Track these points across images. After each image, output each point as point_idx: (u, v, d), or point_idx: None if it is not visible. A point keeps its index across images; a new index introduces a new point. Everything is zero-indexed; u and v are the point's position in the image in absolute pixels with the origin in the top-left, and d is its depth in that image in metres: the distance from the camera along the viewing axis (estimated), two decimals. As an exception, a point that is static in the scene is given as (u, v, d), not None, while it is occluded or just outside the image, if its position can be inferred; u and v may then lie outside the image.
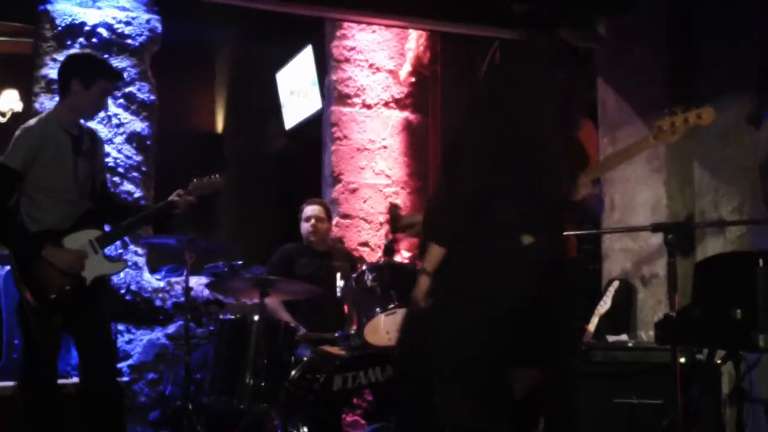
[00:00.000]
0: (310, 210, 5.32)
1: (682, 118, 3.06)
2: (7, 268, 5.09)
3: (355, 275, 4.33)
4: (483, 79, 3.30)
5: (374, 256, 6.24)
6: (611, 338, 4.46)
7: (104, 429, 3.95)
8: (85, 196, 4.03)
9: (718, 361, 3.68)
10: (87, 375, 3.98)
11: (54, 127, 3.96)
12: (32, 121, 4.03)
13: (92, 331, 3.98)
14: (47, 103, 5.59)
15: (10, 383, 4.48)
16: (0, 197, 3.85)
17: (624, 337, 4.57)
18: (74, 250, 3.89)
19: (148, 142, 5.81)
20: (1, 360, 4.92)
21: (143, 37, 5.90)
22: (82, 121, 4.13)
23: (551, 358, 3.46)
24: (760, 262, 2.51)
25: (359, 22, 6.25)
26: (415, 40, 6.70)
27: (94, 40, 5.74)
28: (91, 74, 4.00)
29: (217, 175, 4.36)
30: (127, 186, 5.71)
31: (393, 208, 3.77)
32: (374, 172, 6.56)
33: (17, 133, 3.98)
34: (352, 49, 6.58)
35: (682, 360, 3.44)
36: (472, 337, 2.89)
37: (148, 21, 5.91)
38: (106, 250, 4.03)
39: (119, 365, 5.47)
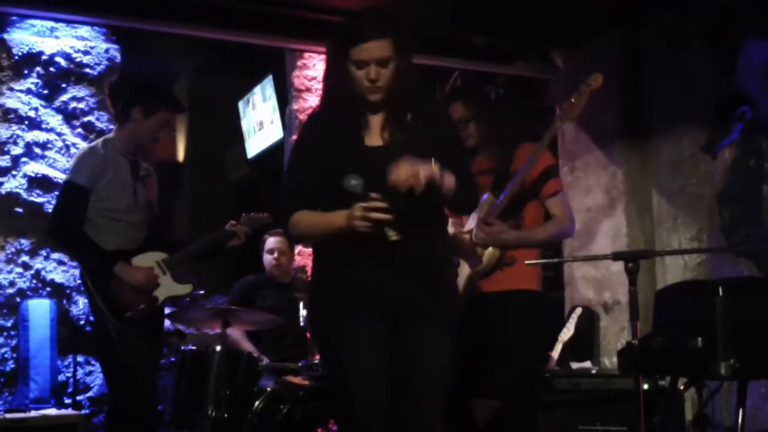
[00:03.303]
0: (274, 242, 5.23)
1: (577, 93, 3.39)
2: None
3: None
4: None
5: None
6: (575, 365, 4.48)
7: None
8: (145, 222, 4.06)
9: (681, 388, 3.71)
10: (132, 397, 3.88)
11: (113, 151, 3.97)
12: (94, 143, 4.07)
13: (157, 355, 4.11)
14: (3, 132, 5.52)
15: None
16: (73, 214, 3.85)
17: (587, 364, 4.60)
18: (145, 268, 3.91)
19: (107, 172, 5.75)
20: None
21: (102, 66, 5.86)
22: None
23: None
24: (720, 291, 2.53)
25: (319, 53, 6.26)
26: (376, 69, 6.71)
27: (51, 69, 5.69)
28: (152, 104, 4.00)
29: (265, 213, 4.40)
30: (86, 216, 5.64)
31: None
32: (335, 201, 6.54)
33: (80, 152, 4.03)
34: (313, 78, 6.58)
35: (645, 387, 3.47)
36: None
37: (106, 50, 5.89)
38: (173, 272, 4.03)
39: (78, 398, 5.39)
